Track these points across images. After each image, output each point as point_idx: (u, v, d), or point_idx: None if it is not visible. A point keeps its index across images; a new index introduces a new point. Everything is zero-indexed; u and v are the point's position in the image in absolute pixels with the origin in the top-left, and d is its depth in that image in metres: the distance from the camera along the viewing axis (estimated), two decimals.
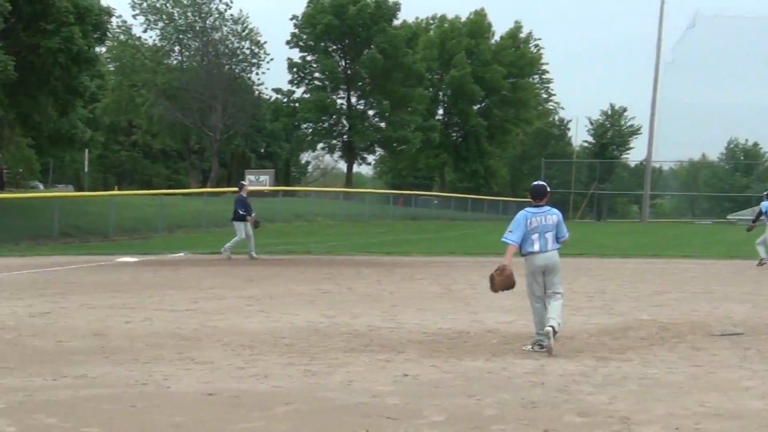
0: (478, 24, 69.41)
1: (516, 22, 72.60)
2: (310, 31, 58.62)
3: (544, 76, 75.69)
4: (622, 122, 75.67)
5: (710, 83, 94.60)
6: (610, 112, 76.12)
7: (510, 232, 9.54)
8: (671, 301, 14.13)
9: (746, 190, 73.46)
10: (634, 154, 76.76)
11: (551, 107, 79.48)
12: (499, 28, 71.95)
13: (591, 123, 76.27)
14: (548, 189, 9.88)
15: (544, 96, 77.59)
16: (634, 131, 75.03)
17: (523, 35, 72.93)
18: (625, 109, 75.70)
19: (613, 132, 75.51)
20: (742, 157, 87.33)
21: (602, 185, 71.13)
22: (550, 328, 9.13)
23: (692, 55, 74.63)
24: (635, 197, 75.31)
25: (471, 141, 68.38)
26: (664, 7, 65.99)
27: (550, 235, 9.51)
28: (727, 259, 24.68)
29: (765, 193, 24.45)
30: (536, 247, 9.46)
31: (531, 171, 72.18)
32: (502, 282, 9.61)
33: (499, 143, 71.03)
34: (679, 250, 29.05)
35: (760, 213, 22.88)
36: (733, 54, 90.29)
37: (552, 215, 9.59)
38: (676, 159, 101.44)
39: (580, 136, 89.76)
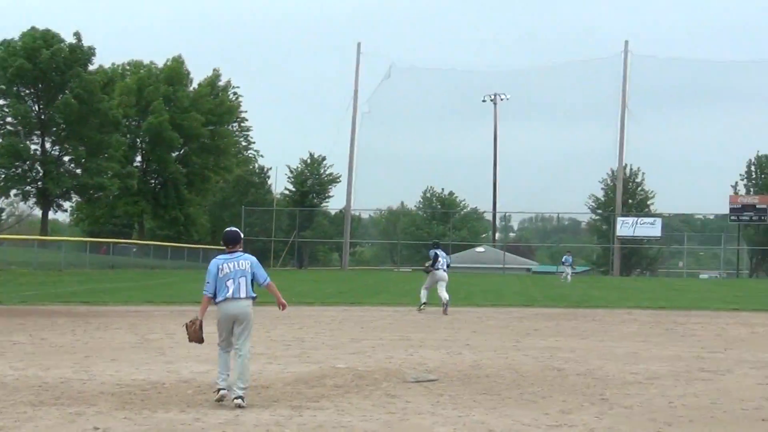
0: (176, 71, 68.97)
1: (214, 70, 72.85)
2: (2, 75, 55.87)
3: (243, 124, 76.40)
4: (322, 171, 77.66)
5: (406, 133, 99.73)
6: (309, 161, 77.89)
7: (207, 283, 9.53)
8: (368, 349, 14.56)
9: (443, 237, 77.68)
10: (334, 202, 79.14)
11: (251, 155, 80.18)
12: (198, 75, 71.82)
13: (291, 171, 77.64)
14: (241, 235, 9.94)
15: (244, 144, 78.20)
16: (334, 179, 77.20)
17: (221, 83, 73.30)
18: (324, 158, 77.81)
19: (312, 180, 77.24)
20: (438, 206, 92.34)
21: (303, 233, 72.34)
22: (240, 400, 9.12)
23: (388, 106, 78.40)
24: (336, 245, 77.25)
25: (170, 188, 67.50)
26: (361, 58, 68.94)
27: (243, 281, 9.51)
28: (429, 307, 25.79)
29: (433, 241, 26.51)
30: (229, 294, 9.43)
31: (232, 218, 72.12)
32: (191, 335, 9.63)
33: (199, 190, 70.63)
34: (378, 297, 30.05)
35: (436, 257, 23.93)
36: (427, 105, 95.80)
37: (245, 260, 9.61)
38: (375, 207, 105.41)
39: (280, 184, 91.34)
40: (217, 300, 9.48)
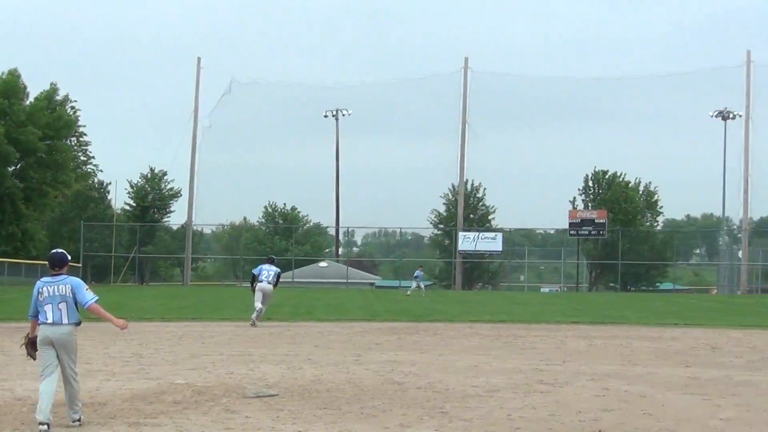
0: (11, 84, 66.42)
1: (52, 84, 70.48)
2: None
3: (81, 139, 74.29)
4: (163, 185, 76.32)
5: (248, 148, 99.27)
6: (150, 176, 76.42)
7: (31, 305, 9.28)
8: (208, 364, 14.40)
9: (286, 252, 77.44)
10: (176, 217, 77.61)
11: (90, 170, 77.98)
12: (34, 89, 69.31)
13: (131, 186, 75.93)
14: (68, 257, 9.58)
15: (83, 158, 76.03)
16: (175, 194, 75.98)
17: (59, 97, 71.07)
18: (165, 173, 76.46)
19: (153, 195, 75.81)
20: (281, 221, 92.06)
21: (144, 248, 70.83)
22: (77, 423, 8.89)
23: (230, 121, 77.76)
24: (178, 260, 75.99)
25: (6, 203, 64.93)
26: (201, 72, 68.15)
27: (64, 306, 9.18)
28: (265, 322, 25.66)
29: (269, 256, 27.46)
30: (47, 319, 9.14)
31: (71, 234, 69.93)
32: (28, 351, 9.33)
33: (37, 206, 68.16)
34: (219, 312, 29.73)
35: (254, 276, 24.55)
36: (269, 119, 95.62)
37: (66, 284, 9.26)
38: (217, 222, 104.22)
39: (120, 199, 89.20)
40: (38, 323, 9.17)
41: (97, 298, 9.37)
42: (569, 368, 14.68)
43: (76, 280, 9.39)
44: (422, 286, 47.89)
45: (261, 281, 24.09)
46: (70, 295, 9.20)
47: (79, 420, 8.98)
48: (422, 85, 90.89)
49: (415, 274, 49.96)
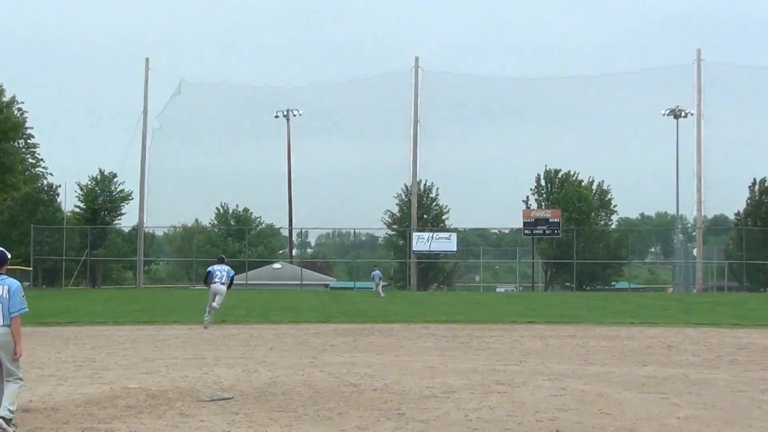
0: None
1: None
2: None
3: (30, 141, 73.36)
4: (113, 187, 75.61)
5: (199, 149, 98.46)
6: (99, 178, 75.65)
7: None
8: (161, 368, 14.29)
9: (239, 254, 77.02)
10: (127, 220, 76.87)
11: (39, 172, 77.00)
12: None
13: (81, 188, 75.11)
14: (8, 256, 9.27)
15: (32, 161, 75.08)
16: (126, 196, 75.32)
17: (5, 99, 70.07)
18: (115, 175, 75.72)
19: (104, 197, 75.08)
20: (233, 223, 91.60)
21: (96, 251, 70.12)
22: (1, 420, 8.63)
23: (179, 122, 77.20)
24: (130, 263, 75.32)
25: None
26: (150, 73, 67.68)
27: (1, 309, 8.91)
28: (219, 324, 25.54)
29: (219, 256, 27.72)
30: None
31: (21, 237, 69.00)
32: None
33: None
34: (172, 315, 29.54)
35: (208, 275, 24.99)
36: (220, 120, 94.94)
37: (5, 285, 8.97)
38: (169, 224, 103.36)
39: (70, 201, 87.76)
40: None
41: (27, 311, 9.08)
42: (526, 368, 14.76)
43: (16, 284, 9.06)
44: (378, 286, 48.35)
45: (214, 282, 24.47)
46: (7, 296, 8.91)
47: (6, 420, 8.68)
48: (373, 84, 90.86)
49: (371, 275, 50.22)
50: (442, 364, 15.28)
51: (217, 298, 24.47)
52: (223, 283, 24.51)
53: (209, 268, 25.16)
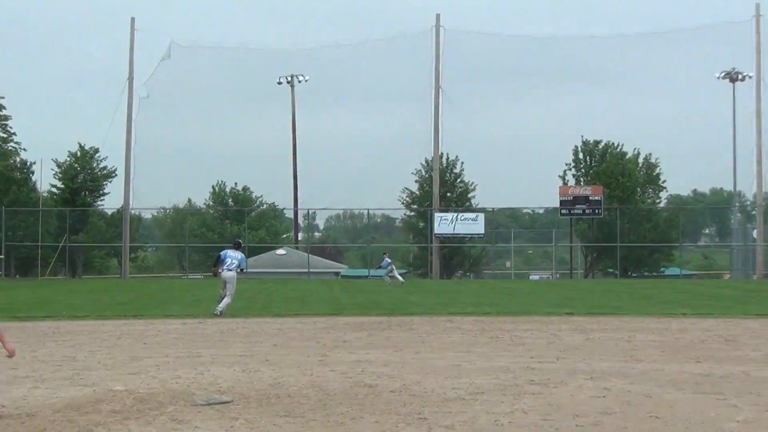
0: None
1: None
2: None
3: (1, 113, 73.61)
4: (95, 165, 75.67)
5: (192, 120, 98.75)
6: (79, 154, 75.71)
7: None
8: (151, 368, 14.33)
9: (237, 239, 77.29)
10: (111, 201, 77.11)
11: (11, 148, 77.26)
12: None
13: (58, 166, 75.21)
14: None
15: (3, 135, 75.35)
16: (109, 174, 75.39)
17: None
18: (97, 150, 75.74)
19: (84, 175, 75.21)
20: (231, 203, 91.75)
21: (76, 237, 70.35)
22: None
23: (170, 90, 77.26)
24: (114, 249, 75.57)
25: None
26: (135, 35, 67.42)
27: None
28: (216, 318, 25.60)
29: (235, 241, 28.61)
30: None
31: None
32: None
33: None
34: (163, 308, 29.64)
35: (218, 259, 26.61)
36: (215, 88, 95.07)
37: None
38: (159, 205, 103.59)
39: (47, 180, 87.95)
40: None
41: None
42: (564, 366, 14.73)
43: None
44: (388, 275, 48.76)
45: (223, 269, 26.03)
46: None
47: None
48: (389, 46, 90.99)
49: (382, 264, 50.60)
50: (469, 361, 15.27)
51: (228, 287, 25.94)
52: (231, 270, 25.83)
53: (221, 252, 26.63)
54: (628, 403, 11.23)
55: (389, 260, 50.77)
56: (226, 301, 25.93)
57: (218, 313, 25.50)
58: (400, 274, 52.00)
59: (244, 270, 26.89)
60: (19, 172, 78.37)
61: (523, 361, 15.36)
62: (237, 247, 26.70)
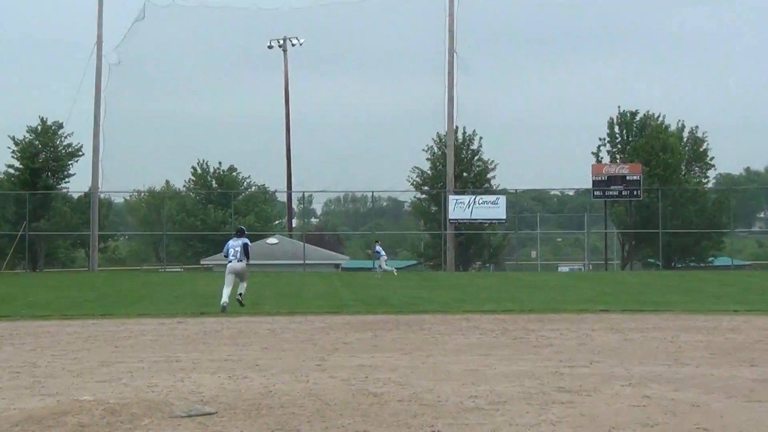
0: None
1: None
2: None
3: None
4: (58, 142, 75.58)
5: (170, 90, 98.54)
6: (40, 129, 75.61)
7: None
8: (123, 375, 14.35)
9: (223, 226, 77.28)
10: (77, 182, 77.34)
11: None
12: None
13: (16, 143, 75.10)
14: None
15: None
16: (74, 153, 75.30)
17: None
18: (60, 125, 75.63)
19: (47, 154, 75.14)
20: (215, 185, 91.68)
21: (37, 224, 70.48)
22: None
23: (145, 56, 77.14)
24: (81, 239, 75.64)
25: None
26: None
27: None
28: (198, 317, 25.63)
29: (238, 227, 29.54)
30: None
31: None
32: None
33: None
34: (137, 306, 29.69)
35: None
36: (196, 54, 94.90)
37: None
38: (132, 188, 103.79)
39: (3, 159, 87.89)
40: None
41: None
42: (598, 371, 14.72)
43: None
44: (383, 265, 49.37)
45: (230, 261, 27.01)
46: None
47: None
48: (396, 4, 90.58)
49: (375, 250, 51.16)
50: (489, 366, 15.27)
51: (237, 277, 26.98)
52: (240, 260, 26.95)
53: (224, 247, 27.77)
54: (672, 413, 11.22)
55: (381, 248, 51.41)
56: (227, 291, 26.75)
57: (239, 300, 26.79)
58: (410, 266, 52.45)
59: (249, 255, 27.47)
60: None
61: (551, 365, 15.35)
62: (240, 234, 27.63)
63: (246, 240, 27.53)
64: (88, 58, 68.66)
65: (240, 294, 26.93)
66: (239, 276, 27.08)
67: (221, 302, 26.44)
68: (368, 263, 69.63)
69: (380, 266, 49.68)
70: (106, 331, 21.86)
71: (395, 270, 48.59)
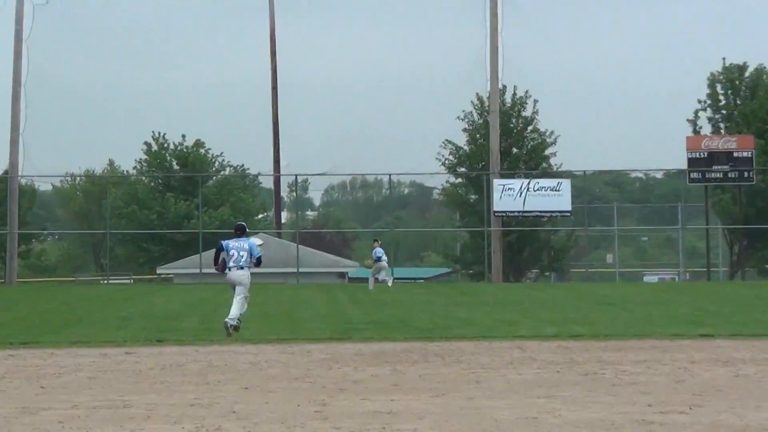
0: None
1: None
2: None
3: None
4: None
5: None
6: None
7: None
8: (51, 425, 14.39)
9: (188, 222, 77.34)
10: None
11: None
12: None
13: None
14: None
15: None
16: None
17: None
18: None
19: None
20: (175, 166, 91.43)
21: None
22: None
23: (64, 25, 77.40)
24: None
25: None
26: None
27: None
28: (154, 345, 25.63)
29: (238, 223, 30.29)
30: None
31: None
32: None
33: None
34: (70, 332, 29.66)
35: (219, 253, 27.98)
36: (115, 21, 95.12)
37: None
38: (63, 171, 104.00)
39: None
40: None
41: None
42: (700, 418, 14.68)
43: None
44: (381, 274, 49.44)
45: (229, 267, 27.47)
46: None
47: None
48: None
49: (373, 253, 51.12)
50: (551, 412, 15.24)
51: (239, 289, 27.43)
52: (241, 267, 27.31)
53: (221, 243, 28.09)
54: None
55: (382, 250, 51.28)
56: (236, 306, 27.28)
57: (234, 326, 27.12)
58: (442, 275, 52.39)
59: (261, 261, 28.07)
60: None
61: (636, 410, 15.31)
62: (242, 232, 28.00)
63: (252, 241, 28.01)
64: (7, 27, 68.87)
65: (226, 325, 27.20)
66: (241, 285, 27.45)
67: (228, 321, 27.13)
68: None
69: (378, 277, 49.62)
70: (29, 366, 21.89)
71: (391, 279, 48.59)
